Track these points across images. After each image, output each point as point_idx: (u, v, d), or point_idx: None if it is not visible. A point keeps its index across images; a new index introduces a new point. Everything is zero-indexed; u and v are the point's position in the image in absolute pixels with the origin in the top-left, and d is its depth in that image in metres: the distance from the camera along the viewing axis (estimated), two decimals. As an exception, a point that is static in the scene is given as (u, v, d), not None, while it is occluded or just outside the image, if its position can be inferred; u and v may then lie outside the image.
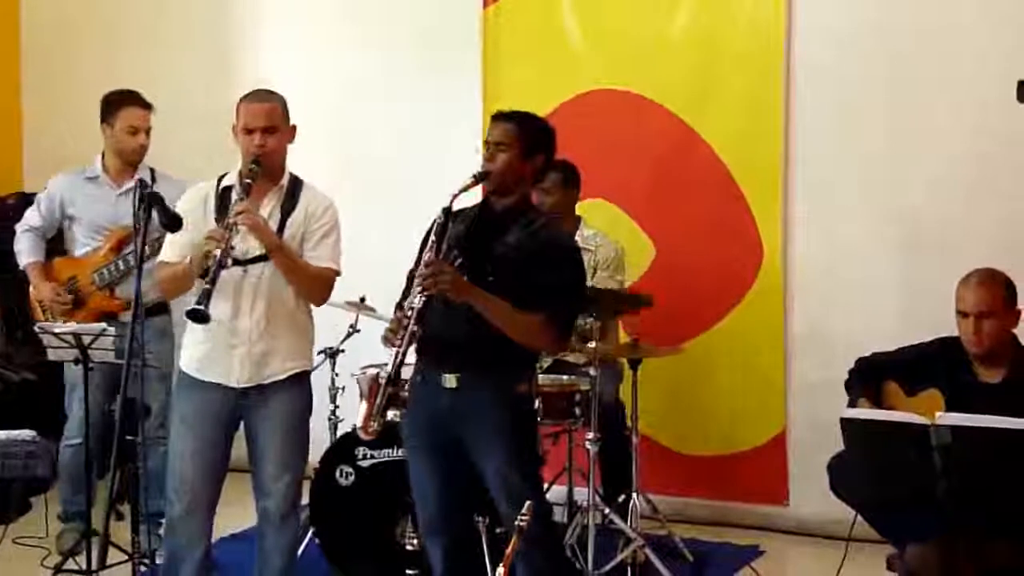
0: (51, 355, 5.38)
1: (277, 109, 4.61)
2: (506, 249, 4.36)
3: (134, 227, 4.53)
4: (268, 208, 4.60)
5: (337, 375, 6.03)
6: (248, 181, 4.47)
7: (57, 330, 5.26)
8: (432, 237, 4.28)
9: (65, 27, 7.80)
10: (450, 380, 4.36)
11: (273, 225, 4.56)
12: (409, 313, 4.22)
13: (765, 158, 6.33)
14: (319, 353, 5.91)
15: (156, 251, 4.81)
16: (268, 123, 4.54)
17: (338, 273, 4.72)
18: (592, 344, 5.37)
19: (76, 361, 5.25)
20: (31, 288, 6.02)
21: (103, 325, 5.23)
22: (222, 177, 4.66)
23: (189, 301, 4.37)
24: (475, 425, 4.35)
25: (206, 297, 4.27)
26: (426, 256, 4.24)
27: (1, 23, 7.89)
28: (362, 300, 5.92)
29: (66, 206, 6.00)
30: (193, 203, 4.65)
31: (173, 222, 4.39)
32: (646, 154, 6.58)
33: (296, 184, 4.69)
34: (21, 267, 6.06)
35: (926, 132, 6.07)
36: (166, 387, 5.78)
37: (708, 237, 6.47)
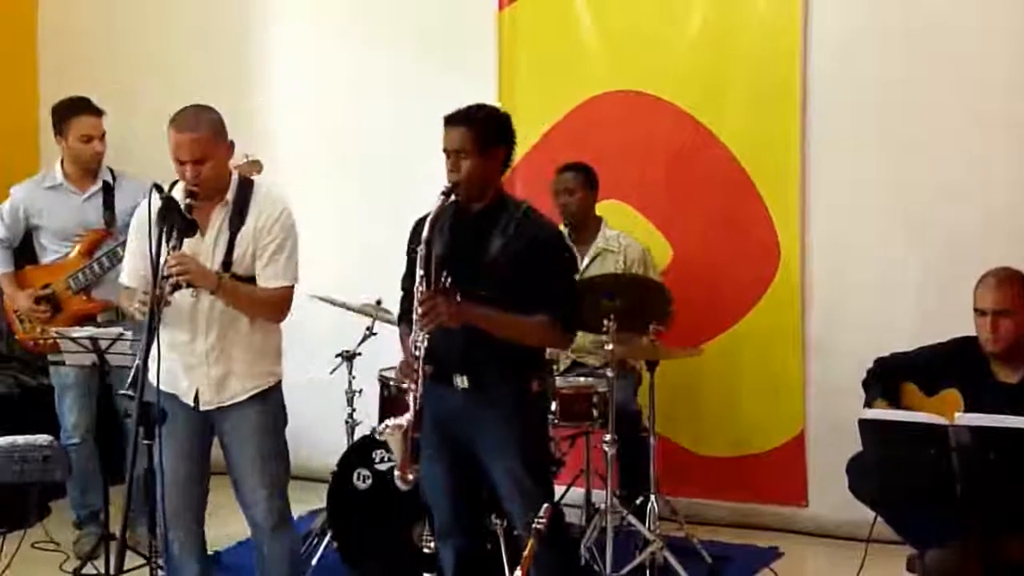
0: (68, 360, 5.39)
1: (205, 139, 4.39)
2: (494, 255, 4.33)
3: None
4: (216, 227, 4.49)
5: (354, 378, 6.02)
6: (187, 216, 4.29)
7: (75, 334, 5.26)
8: (419, 269, 4.22)
9: (81, 32, 7.82)
10: (461, 381, 4.36)
11: (222, 244, 4.47)
12: (417, 354, 4.20)
13: (782, 158, 6.31)
14: (336, 356, 5.93)
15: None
16: (198, 155, 4.36)
17: (293, 286, 4.60)
18: (609, 346, 5.35)
19: (93, 365, 5.25)
20: (5, 299, 6.02)
21: (119, 329, 5.24)
22: (167, 196, 4.34)
23: None
24: (487, 425, 4.35)
25: (142, 370, 4.17)
26: (417, 292, 4.20)
27: (19, 31, 7.91)
28: (378, 303, 5.92)
29: (31, 216, 5.97)
30: (140, 229, 4.47)
31: (189, 227, 4.37)
32: (662, 155, 6.57)
33: (243, 194, 4.54)
34: None
35: (942, 132, 6.05)
36: None
37: (725, 238, 6.45)
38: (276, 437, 4.69)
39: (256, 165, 5.65)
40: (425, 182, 6.82)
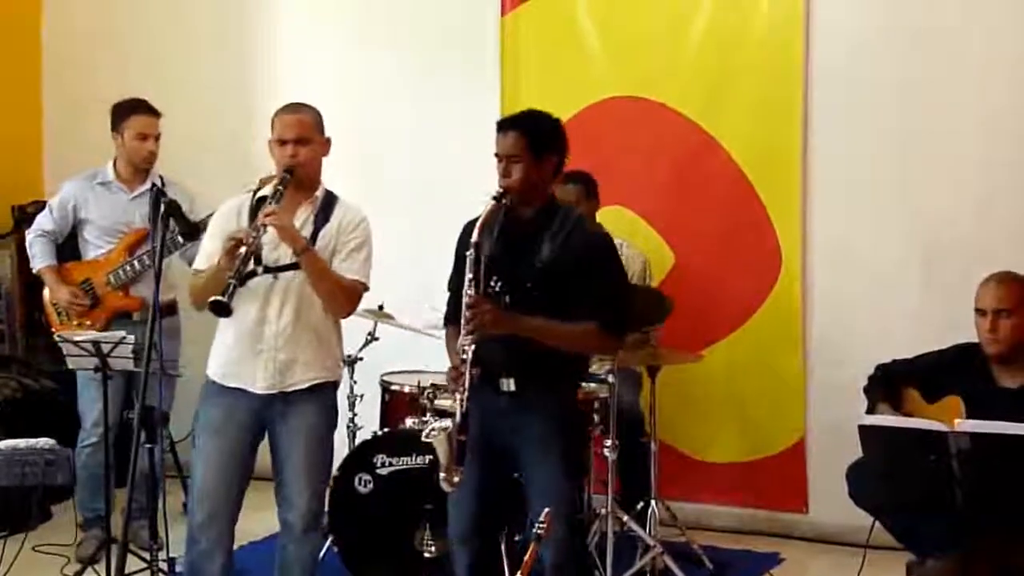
0: (70, 363, 5.40)
1: (308, 120, 4.62)
2: (544, 261, 4.33)
3: (151, 235, 4.53)
4: (301, 219, 4.59)
5: (356, 383, 6.03)
6: (280, 188, 4.46)
7: (77, 339, 5.27)
8: (468, 272, 4.24)
9: (84, 37, 7.83)
10: (508, 384, 4.37)
11: (306, 236, 4.55)
12: (464, 358, 4.22)
13: (784, 165, 6.31)
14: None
15: (171, 250, 4.82)
16: (299, 134, 4.56)
17: (366, 288, 4.70)
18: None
19: (96, 369, 5.26)
20: (46, 291, 6.10)
21: (122, 333, 5.24)
22: (258, 190, 4.65)
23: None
24: (531, 429, 4.36)
25: (229, 290, 4.28)
26: (466, 295, 4.23)
27: (23, 35, 7.92)
28: (380, 308, 5.93)
29: (79, 210, 6.08)
30: (227, 214, 4.66)
31: (192, 230, 4.39)
32: (664, 161, 6.57)
33: (330, 199, 4.69)
34: (35, 271, 6.14)
35: (944, 136, 6.06)
36: (171, 389, 5.83)
37: (727, 243, 6.46)
38: (326, 440, 4.75)
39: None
40: (432, 188, 6.93)
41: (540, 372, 4.34)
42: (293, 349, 4.60)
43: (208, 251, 4.62)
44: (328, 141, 4.70)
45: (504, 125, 4.43)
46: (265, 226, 4.37)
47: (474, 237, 4.25)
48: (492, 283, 4.31)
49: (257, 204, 4.56)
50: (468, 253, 4.25)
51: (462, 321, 4.22)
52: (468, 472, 4.41)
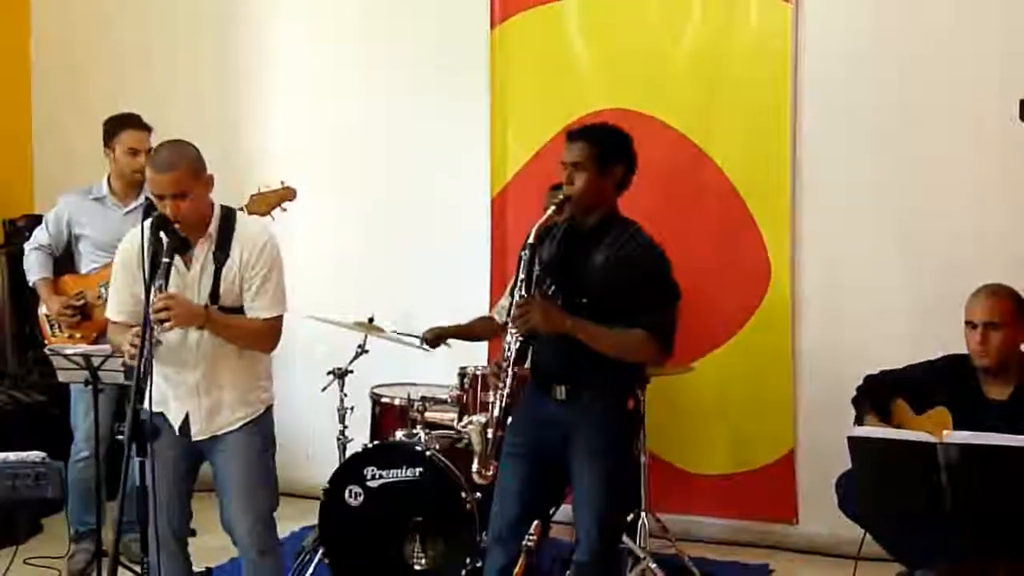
0: (61, 376, 5.39)
1: (182, 175, 4.37)
2: (595, 271, 4.39)
3: (140, 248, 4.51)
4: (200, 260, 4.49)
5: (346, 395, 6.02)
6: (167, 261, 4.28)
7: (68, 351, 5.27)
8: (520, 272, 4.30)
9: (74, 50, 7.84)
10: (560, 391, 4.41)
11: (208, 278, 4.47)
12: (508, 355, 4.26)
13: (773, 177, 6.33)
14: (328, 373, 5.94)
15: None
16: (176, 190, 4.36)
17: (281, 315, 4.60)
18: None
19: (86, 383, 5.26)
20: (41, 304, 6.10)
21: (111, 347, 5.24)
22: (156, 221, 4.35)
23: None
24: (581, 436, 4.39)
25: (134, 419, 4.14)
26: (516, 295, 4.28)
27: (12, 47, 7.92)
28: (370, 320, 5.93)
29: (74, 225, 6.10)
30: (127, 264, 4.54)
31: (182, 244, 4.39)
32: (653, 174, 6.46)
33: (226, 224, 4.54)
34: (30, 283, 6.15)
35: (934, 150, 6.07)
36: None
37: (716, 256, 6.46)
38: (264, 464, 4.70)
39: (290, 192, 5.72)
40: (422, 201, 6.94)
41: (592, 381, 4.39)
42: (217, 393, 4.56)
43: (115, 303, 4.59)
44: (210, 178, 4.51)
45: (574, 134, 4.49)
46: (162, 322, 4.23)
47: (530, 239, 4.33)
48: (546, 286, 4.36)
49: (153, 255, 4.26)
50: (523, 253, 4.33)
51: (509, 318, 4.27)
52: (515, 474, 4.49)
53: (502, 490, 4.53)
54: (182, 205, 4.37)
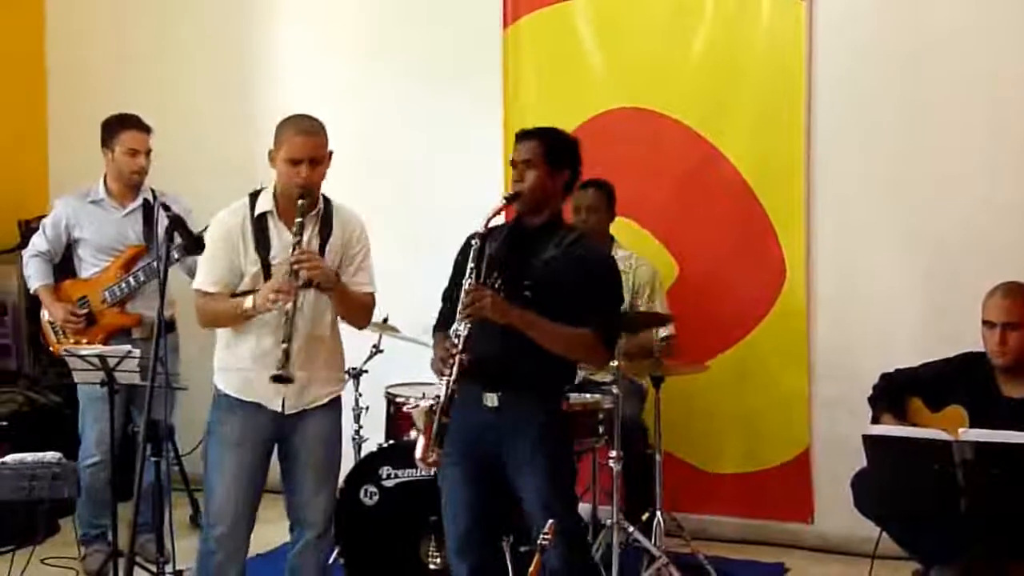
0: (77, 378, 5.41)
1: (323, 141, 4.54)
2: (542, 266, 4.40)
3: (155, 249, 4.53)
4: (307, 235, 4.54)
5: (361, 395, 6.05)
6: (300, 220, 4.41)
7: (83, 352, 5.28)
8: (470, 262, 4.31)
9: (89, 53, 7.86)
10: (491, 399, 4.40)
11: (314, 250, 4.55)
12: (456, 341, 4.25)
13: (787, 175, 6.32)
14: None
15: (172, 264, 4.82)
16: (316, 154, 4.49)
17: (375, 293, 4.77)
18: (614, 362, 5.36)
19: (102, 383, 5.27)
20: (43, 311, 6.09)
21: (128, 347, 5.25)
22: (252, 200, 4.58)
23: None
24: (516, 442, 4.37)
25: (286, 359, 4.31)
26: (466, 283, 4.28)
27: (27, 49, 7.95)
28: (385, 320, 5.94)
29: (72, 229, 6.08)
30: (226, 236, 4.57)
31: (195, 244, 4.40)
32: (668, 173, 6.58)
33: (328, 206, 4.68)
34: (32, 291, 6.15)
35: (949, 151, 6.06)
36: (173, 403, 5.84)
37: (731, 254, 6.46)
38: (338, 444, 4.82)
39: None
40: (436, 200, 6.94)
41: (521, 385, 4.37)
42: (310, 369, 4.63)
43: (215, 275, 4.57)
44: (331, 154, 4.66)
45: (524, 134, 4.54)
46: (299, 273, 4.34)
47: (480, 228, 4.34)
48: (492, 279, 4.36)
49: (258, 222, 4.53)
50: (473, 242, 4.33)
51: (459, 307, 4.27)
52: (457, 486, 4.49)
53: (449, 505, 4.52)
54: (316, 171, 4.49)
